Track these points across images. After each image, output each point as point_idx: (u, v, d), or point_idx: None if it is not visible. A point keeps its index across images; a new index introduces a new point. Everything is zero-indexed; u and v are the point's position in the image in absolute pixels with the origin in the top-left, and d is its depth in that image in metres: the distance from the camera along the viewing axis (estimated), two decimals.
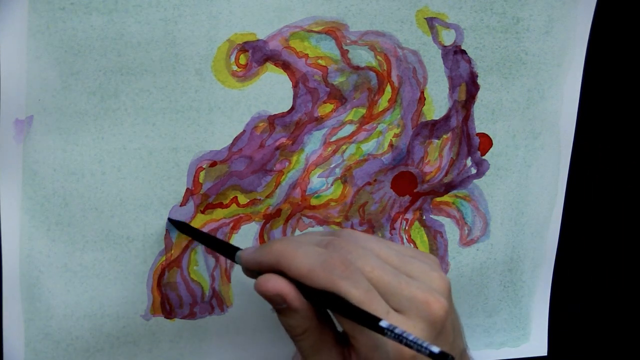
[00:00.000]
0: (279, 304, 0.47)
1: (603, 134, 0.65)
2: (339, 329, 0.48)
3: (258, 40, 0.53)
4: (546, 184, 0.62)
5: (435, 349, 0.40)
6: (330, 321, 0.49)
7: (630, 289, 0.69)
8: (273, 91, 0.54)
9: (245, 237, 0.57)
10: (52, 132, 0.52)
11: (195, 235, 0.55)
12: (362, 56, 0.55)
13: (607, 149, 0.66)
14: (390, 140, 0.58)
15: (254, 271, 0.49)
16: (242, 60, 0.54)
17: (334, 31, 0.55)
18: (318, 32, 0.54)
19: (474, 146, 0.59)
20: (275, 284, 0.46)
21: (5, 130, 0.51)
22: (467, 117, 0.59)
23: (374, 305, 0.45)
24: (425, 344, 0.40)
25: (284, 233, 0.57)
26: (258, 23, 0.53)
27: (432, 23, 0.56)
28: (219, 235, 0.56)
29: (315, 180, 0.57)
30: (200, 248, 0.56)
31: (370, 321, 0.43)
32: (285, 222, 0.57)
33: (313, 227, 0.58)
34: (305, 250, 0.46)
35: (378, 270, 0.46)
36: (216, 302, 0.57)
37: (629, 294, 0.69)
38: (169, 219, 0.55)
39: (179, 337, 0.57)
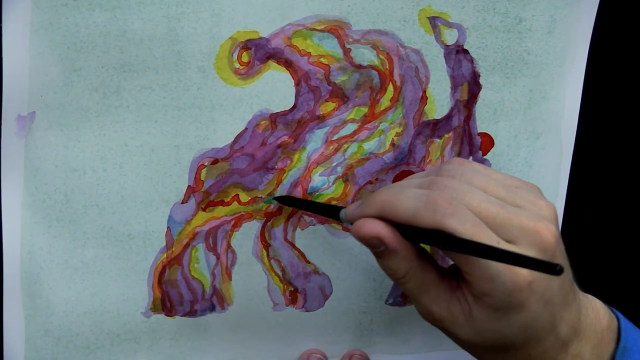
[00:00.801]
0: (377, 247, 0.47)
1: (605, 135, 0.65)
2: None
3: (261, 38, 0.53)
4: (547, 185, 0.62)
5: (556, 263, 0.39)
6: (431, 259, 0.49)
7: (630, 289, 0.69)
8: (275, 89, 0.55)
9: (246, 235, 0.57)
10: (54, 128, 0.52)
11: (298, 204, 0.55)
12: (365, 55, 0.55)
13: (609, 149, 0.66)
14: (392, 139, 0.58)
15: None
16: (245, 58, 0.54)
17: (336, 30, 0.55)
18: (320, 31, 0.54)
19: (476, 146, 0.59)
20: (372, 226, 0.46)
21: (7, 126, 0.51)
22: (469, 117, 0.59)
23: (484, 238, 0.45)
24: (545, 259, 0.40)
25: (285, 231, 0.57)
26: (261, 21, 0.53)
27: (434, 22, 0.56)
28: (220, 234, 0.56)
29: (317, 179, 0.57)
30: (201, 245, 0.56)
31: (485, 251, 0.43)
32: (287, 221, 0.57)
33: (314, 225, 0.58)
34: (408, 195, 0.46)
35: (485, 204, 0.46)
36: (217, 299, 0.57)
37: (629, 294, 0.69)
38: (274, 198, 0.55)
39: (179, 334, 0.57)
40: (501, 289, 0.45)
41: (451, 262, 0.51)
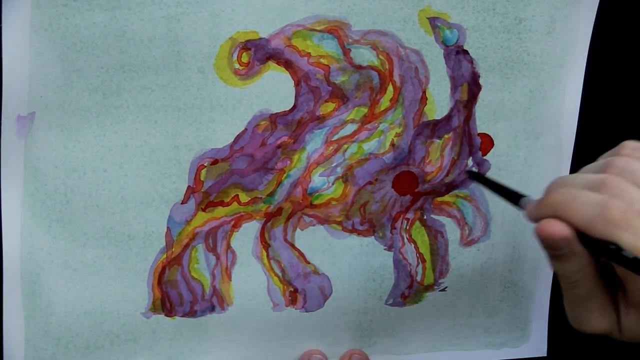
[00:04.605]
0: (560, 249, 0.46)
1: (604, 135, 0.65)
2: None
3: (260, 38, 0.53)
4: (547, 185, 0.62)
5: None
6: (604, 266, 0.48)
7: None
8: (275, 90, 0.55)
9: (246, 236, 0.57)
10: (53, 128, 0.52)
11: (485, 182, 0.57)
12: (364, 55, 0.55)
13: (609, 150, 0.66)
14: (392, 139, 0.58)
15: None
16: (245, 58, 0.54)
17: (336, 30, 0.55)
18: (320, 31, 0.54)
19: (475, 146, 0.59)
20: (561, 228, 0.46)
21: (7, 126, 0.51)
22: (469, 117, 0.59)
23: None
24: None
25: (285, 232, 0.57)
26: (260, 21, 0.53)
27: (434, 23, 0.56)
28: (220, 234, 0.56)
29: (317, 179, 0.57)
30: (201, 246, 0.56)
31: None
32: (286, 221, 0.57)
33: (314, 225, 0.58)
34: (582, 202, 0.46)
35: None
36: (216, 300, 0.57)
37: None
38: (468, 172, 0.57)
39: (179, 335, 0.57)
40: None
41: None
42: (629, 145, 0.49)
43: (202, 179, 0.55)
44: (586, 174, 0.48)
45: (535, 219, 0.48)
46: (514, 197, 0.53)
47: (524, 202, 0.51)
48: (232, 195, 0.56)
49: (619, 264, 0.45)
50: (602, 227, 0.45)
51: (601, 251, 0.45)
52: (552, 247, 0.47)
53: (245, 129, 0.55)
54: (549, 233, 0.46)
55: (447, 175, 0.59)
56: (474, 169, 0.58)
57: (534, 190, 0.61)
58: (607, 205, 0.45)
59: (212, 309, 0.57)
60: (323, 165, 0.57)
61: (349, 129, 0.57)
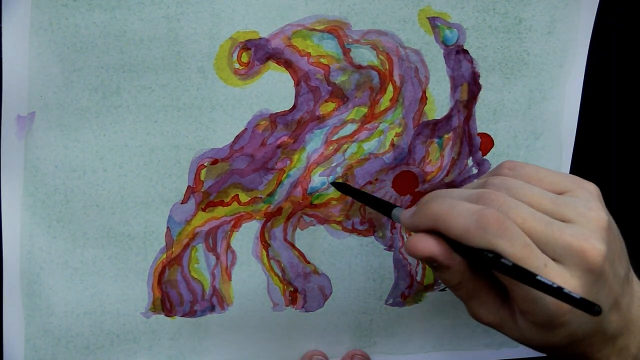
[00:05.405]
0: (430, 263, 0.47)
1: (604, 135, 0.65)
2: None
3: (260, 38, 0.53)
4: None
5: (594, 304, 0.41)
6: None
7: None
8: (275, 89, 0.55)
9: (246, 236, 0.57)
10: (53, 128, 0.52)
11: (353, 193, 0.56)
12: (364, 55, 0.55)
13: (608, 150, 0.66)
14: (392, 139, 0.58)
15: None
16: (245, 58, 0.54)
17: (336, 30, 0.55)
18: (320, 31, 0.54)
19: (476, 146, 0.59)
20: (425, 246, 0.46)
21: (7, 126, 0.51)
22: (469, 117, 0.59)
23: (531, 260, 0.45)
24: (584, 299, 0.41)
25: (285, 232, 0.57)
26: (260, 21, 0.53)
27: (434, 22, 0.56)
28: (219, 234, 0.56)
29: (317, 179, 0.57)
30: (201, 246, 0.56)
31: (527, 277, 0.43)
32: (286, 221, 0.57)
33: (314, 225, 0.58)
34: (459, 211, 0.46)
35: (531, 221, 0.46)
36: (216, 300, 0.57)
37: None
38: (332, 183, 0.56)
39: (179, 334, 0.57)
40: (543, 310, 0.45)
41: None
42: (506, 165, 0.50)
43: (202, 178, 0.55)
44: (465, 189, 0.49)
45: (413, 229, 0.48)
46: (384, 208, 0.52)
47: (396, 213, 0.51)
48: (232, 195, 0.56)
49: (498, 271, 0.45)
50: (479, 236, 0.45)
51: (480, 260, 0.45)
52: (424, 262, 0.48)
53: (245, 129, 0.55)
54: (419, 251, 0.47)
55: (447, 175, 0.59)
56: (340, 181, 0.57)
57: None
58: (482, 213, 0.45)
59: (212, 308, 0.57)
60: (323, 165, 0.57)
61: (349, 128, 0.57)
